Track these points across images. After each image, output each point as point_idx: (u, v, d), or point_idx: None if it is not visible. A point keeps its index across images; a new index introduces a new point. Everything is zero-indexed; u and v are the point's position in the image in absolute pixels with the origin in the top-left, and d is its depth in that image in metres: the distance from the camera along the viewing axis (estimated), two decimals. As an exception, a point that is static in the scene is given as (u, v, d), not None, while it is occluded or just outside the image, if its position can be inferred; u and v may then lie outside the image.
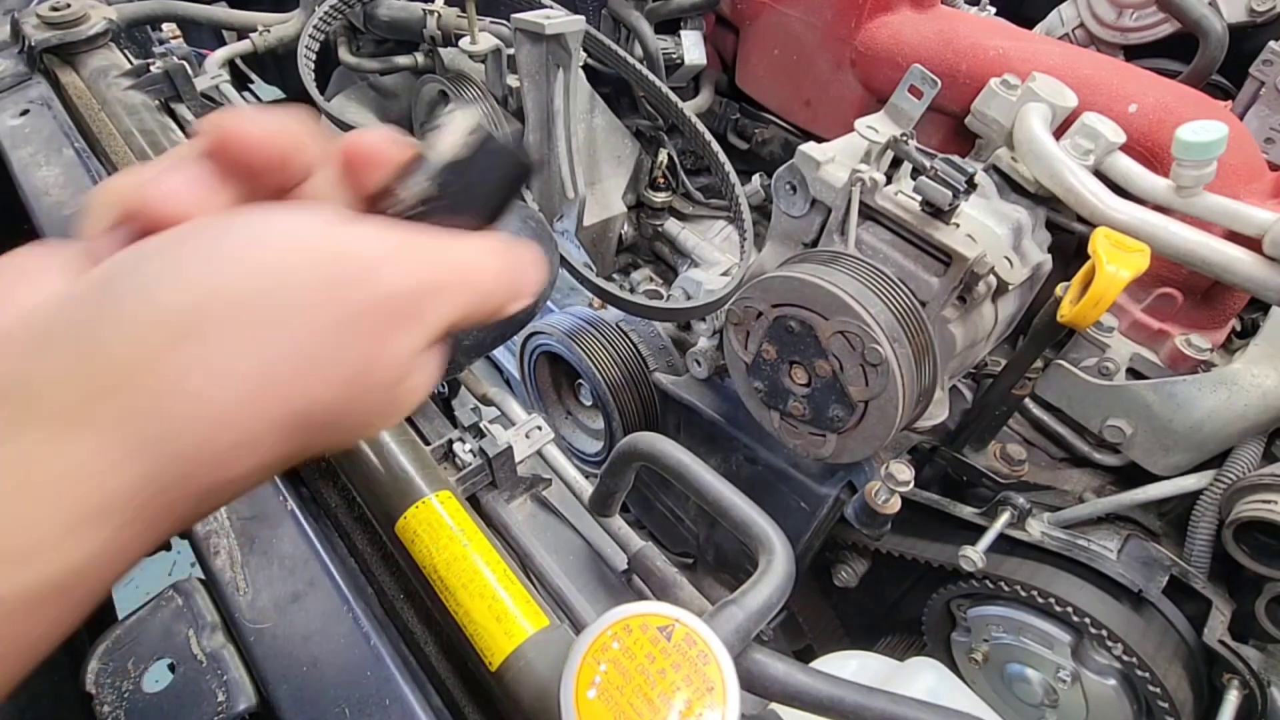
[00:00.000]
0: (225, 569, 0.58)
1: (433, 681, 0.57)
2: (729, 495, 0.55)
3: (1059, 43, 1.20)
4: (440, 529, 0.54)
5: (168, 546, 0.65)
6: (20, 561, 0.24)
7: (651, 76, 1.20)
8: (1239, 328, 1.01)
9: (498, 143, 0.35)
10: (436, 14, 1.23)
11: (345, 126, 1.09)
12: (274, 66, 1.97)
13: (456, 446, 0.65)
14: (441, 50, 1.33)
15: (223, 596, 0.57)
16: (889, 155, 0.93)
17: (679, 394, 1.15)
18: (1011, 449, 1.02)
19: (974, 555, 0.90)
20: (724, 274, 1.26)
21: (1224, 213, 0.83)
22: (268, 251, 0.27)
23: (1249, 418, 0.87)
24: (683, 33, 1.37)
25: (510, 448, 0.66)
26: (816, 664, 0.74)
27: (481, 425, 0.67)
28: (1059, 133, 0.93)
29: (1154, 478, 0.95)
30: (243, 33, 1.33)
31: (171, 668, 0.54)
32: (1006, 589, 0.95)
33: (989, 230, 0.88)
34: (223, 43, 1.55)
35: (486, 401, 0.82)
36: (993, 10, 1.38)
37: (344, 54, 1.38)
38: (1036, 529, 0.94)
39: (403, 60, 1.37)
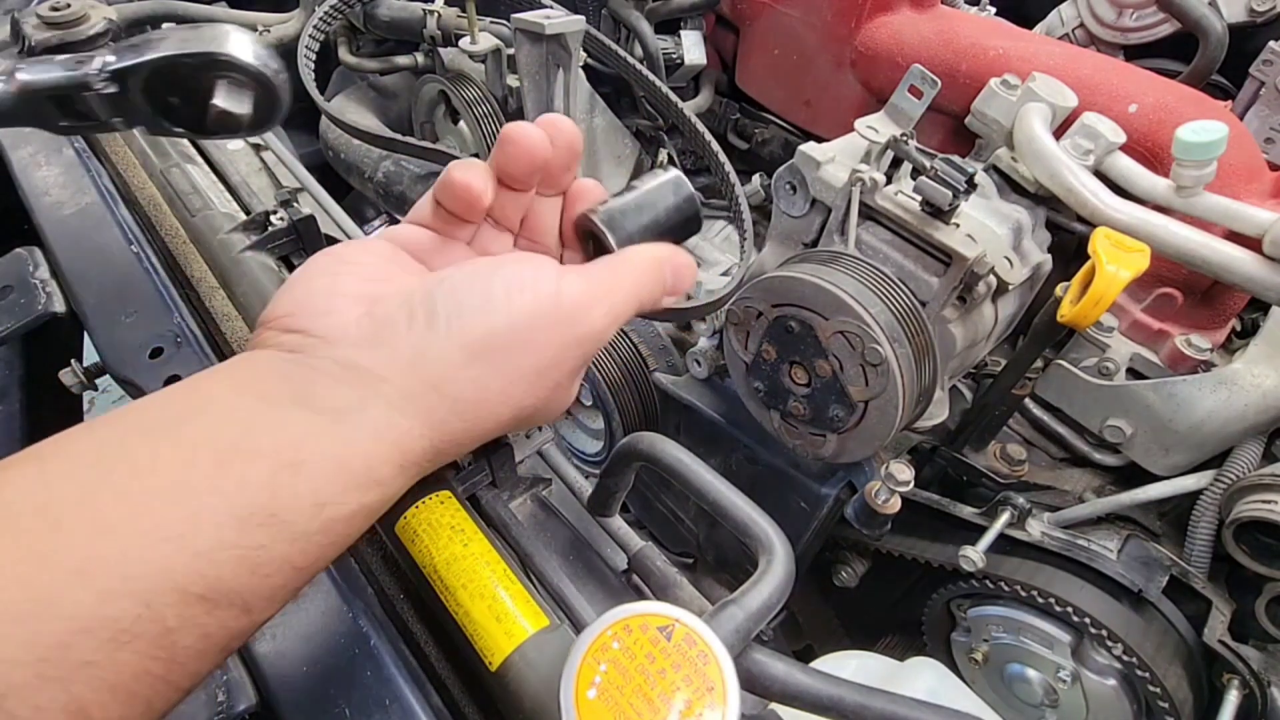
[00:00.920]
0: (225, 569, 0.58)
1: (433, 681, 0.57)
2: (729, 495, 0.55)
3: (1059, 43, 1.20)
4: (440, 529, 0.54)
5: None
6: (373, 487, 0.37)
7: (651, 76, 1.20)
8: (1239, 328, 1.01)
9: (686, 188, 0.50)
10: (436, 14, 1.23)
11: (345, 127, 1.09)
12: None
13: (456, 446, 0.65)
14: (441, 50, 1.33)
15: (223, 596, 0.57)
16: (889, 155, 0.93)
17: (679, 394, 1.15)
18: (1011, 449, 1.02)
19: (974, 555, 0.90)
20: (724, 274, 1.26)
21: (1224, 213, 0.83)
22: (520, 296, 0.40)
23: (1249, 418, 0.87)
24: (683, 33, 1.36)
25: (510, 448, 0.66)
26: (816, 664, 0.74)
27: (481, 425, 0.67)
28: (1059, 133, 0.93)
29: (1154, 478, 0.95)
30: (243, 33, 1.33)
31: (171, 668, 0.54)
32: (1006, 589, 0.95)
33: (989, 230, 0.88)
34: (223, 43, 1.55)
35: (486, 401, 0.82)
36: (993, 10, 1.38)
37: (344, 54, 1.38)
38: (1036, 529, 0.94)
39: (403, 60, 1.37)
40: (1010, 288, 0.86)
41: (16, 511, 0.30)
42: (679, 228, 0.50)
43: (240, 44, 0.54)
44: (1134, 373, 0.97)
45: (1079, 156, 0.89)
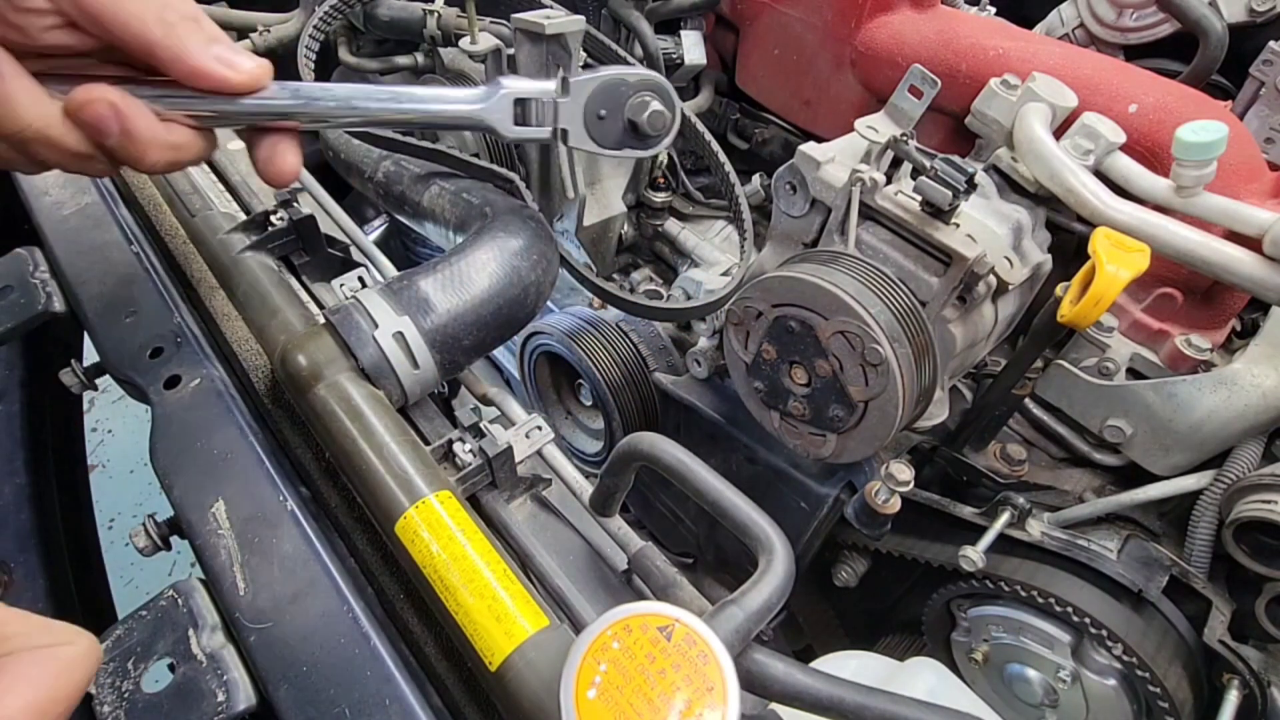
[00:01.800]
0: (225, 569, 0.58)
1: (433, 681, 0.57)
2: (729, 495, 0.55)
3: (1059, 43, 1.20)
4: (440, 529, 0.54)
5: (168, 546, 0.65)
6: None
7: (651, 76, 1.20)
8: (1239, 328, 1.01)
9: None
10: (436, 14, 1.23)
11: (345, 126, 1.09)
12: (274, 66, 1.97)
13: (456, 446, 0.65)
14: (441, 50, 1.32)
15: (223, 596, 0.57)
16: (889, 155, 0.93)
17: (679, 394, 1.15)
18: (1011, 449, 1.02)
19: (974, 555, 0.90)
20: (724, 274, 1.26)
21: (1224, 213, 0.83)
22: None
23: (1249, 418, 0.87)
24: (683, 33, 1.36)
25: (510, 448, 0.66)
26: (816, 664, 0.74)
27: (481, 425, 0.67)
28: (1059, 133, 0.93)
29: (1154, 478, 0.95)
30: (243, 33, 1.33)
31: (171, 668, 0.54)
32: (1006, 589, 0.95)
33: (989, 230, 0.88)
34: (223, 43, 1.55)
35: (486, 401, 0.82)
36: (993, 10, 1.38)
37: (344, 54, 1.38)
38: (1036, 529, 0.94)
39: (403, 60, 1.37)
40: (1010, 288, 0.86)
41: None
42: None
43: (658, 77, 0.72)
44: (1134, 373, 0.97)
45: (1079, 156, 0.89)
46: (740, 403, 0.95)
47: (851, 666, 0.91)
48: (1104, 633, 0.88)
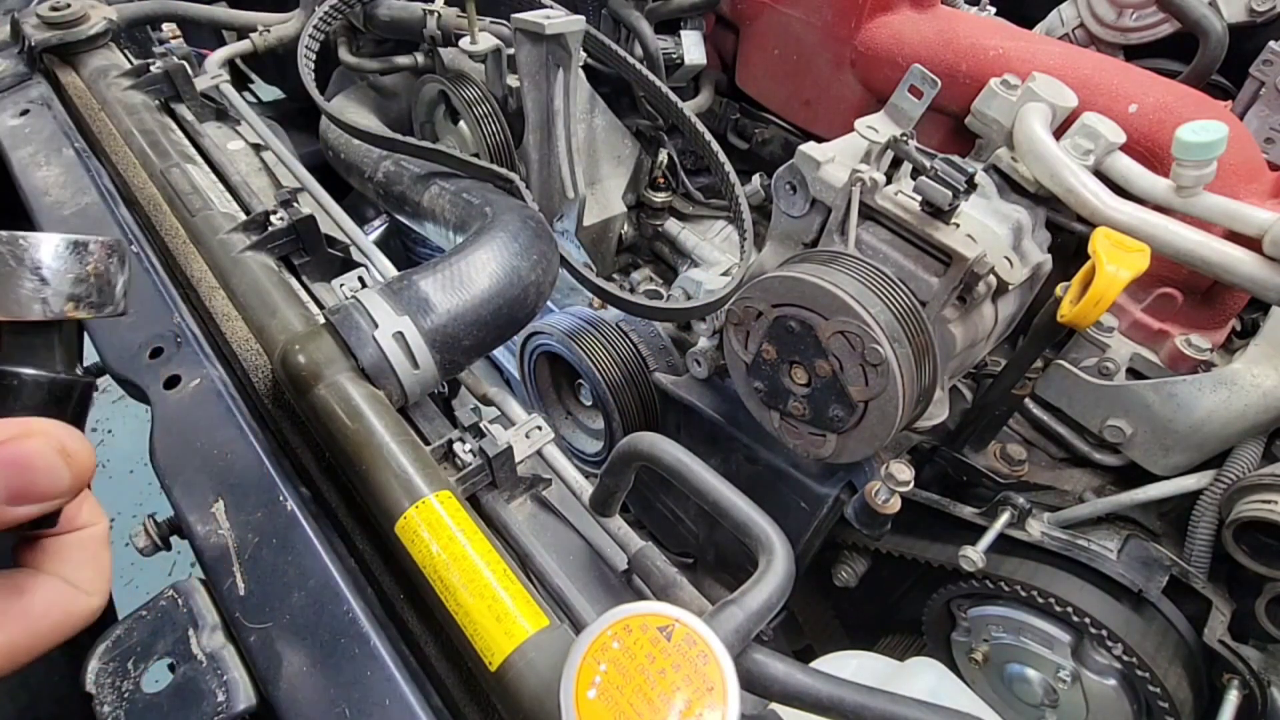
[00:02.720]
0: (225, 569, 0.58)
1: (433, 681, 0.57)
2: (729, 495, 0.55)
3: (1059, 43, 1.20)
4: (440, 529, 0.54)
5: (168, 546, 0.65)
6: None
7: (651, 76, 1.20)
8: (1239, 328, 1.01)
9: None
10: (436, 14, 1.23)
11: (345, 127, 1.09)
12: (274, 66, 1.97)
13: (456, 446, 0.65)
14: (441, 50, 1.33)
15: (223, 596, 0.57)
16: (889, 155, 0.93)
17: (679, 394, 1.15)
18: (1011, 449, 1.02)
19: (974, 555, 0.90)
20: (724, 274, 1.26)
21: (1224, 213, 0.83)
22: None
23: (1249, 418, 0.87)
24: (683, 33, 1.36)
25: (510, 448, 0.66)
26: (816, 664, 0.74)
27: (481, 425, 0.67)
28: (1059, 133, 0.93)
29: (1154, 478, 0.95)
30: (243, 33, 1.33)
31: (171, 668, 0.54)
32: (1006, 589, 0.95)
33: (989, 230, 0.88)
34: (223, 43, 1.55)
35: (486, 401, 0.82)
36: (993, 10, 1.38)
37: (344, 54, 1.38)
38: (1036, 529, 0.94)
39: (403, 60, 1.37)
40: (1010, 288, 0.86)
41: None
42: None
43: None
44: (1134, 373, 0.97)
45: (1079, 156, 0.89)
46: (740, 403, 0.95)
47: (851, 666, 0.91)
48: (1104, 633, 0.88)
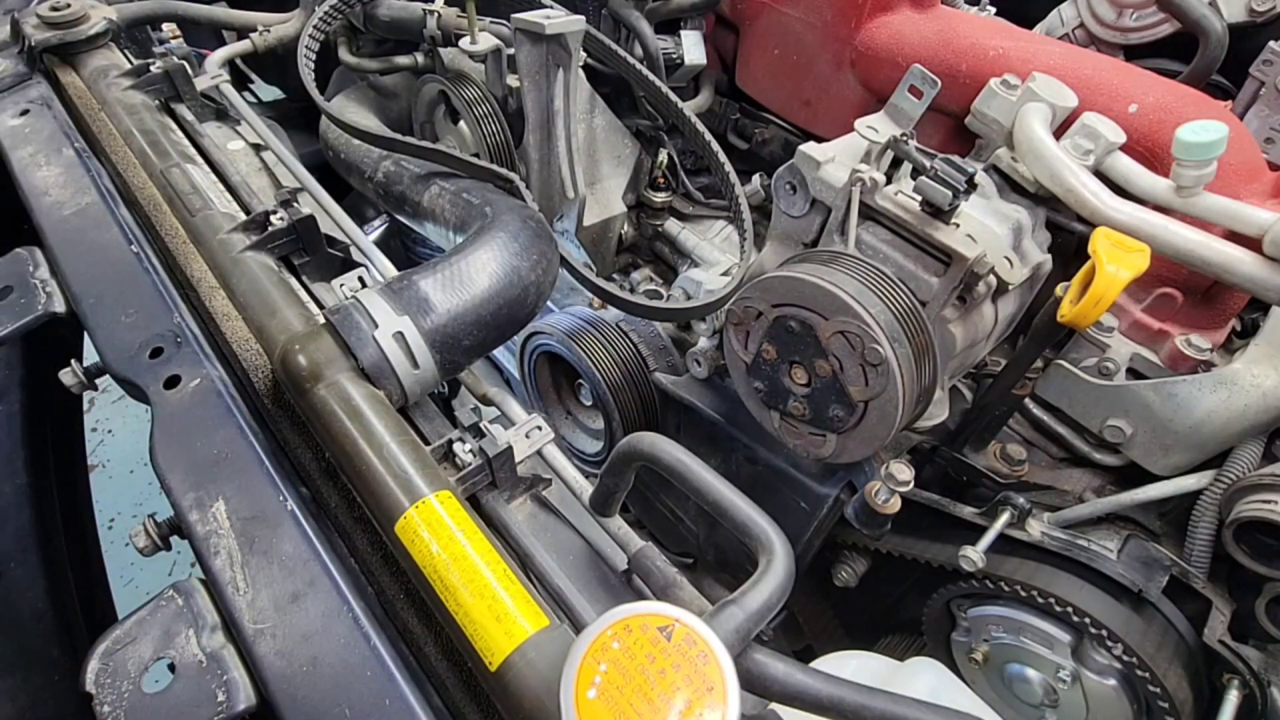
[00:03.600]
0: (225, 569, 0.58)
1: (433, 681, 0.57)
2: (729, 495, 0.55)
3: (1059, 43, 1.20)
4: (440, 529, 0.54)
5: (168, 546, 0.65)
6: None
7: (651, 76, 1.20)
8: (1239, 328, 1.01)
9: None
10: (436, 14, 1.23)
11: (345, 127, 1.09)
12: (274, 66, 1.97)
13: (456, 446, 0.65)
14: (441, 50, 1.33)
15: (223, 596, 0.57)
16: (889, 155, 0.93)
17: (679, 394, 1.15)
18: (1011, 449, 1.02)
19: (974, 555, 0.90)
20: (724, 274, 1.26)
21: (1224, 213, 0.83)
22: None
23: (1249, 418, 0.87)
24: (683, 33, 1.36)
25: (510, 448, 0.66)
26: (816, 664, 0.74)
27: (481, 425, 0.67)
28: (1059, 133, 0.93)
29: (1154, 478, 0.95)
30: (243, 33, 1.33)
31: (171, 668, 0.54)
32: (1006, 589, 0.95)
33: (989, 230, 0.88)
34: (223, 43, 1.55)
35: (486, 401, 0.82)
36: (993, 10, 1.38)
37: (344, 54, 1.38)
38: (1036, 529, 0.94)
39: (403, 60, 1.37)
40: (1010, 288, 0.86)
41: None
42: None
43: None
44: (1134, 373, 0.97)
45: (1079, 156, 0.89)
46: (740, 403, 0.95)
47: (851, 666, 0.91)
48: (1104, 633, 0.88)
